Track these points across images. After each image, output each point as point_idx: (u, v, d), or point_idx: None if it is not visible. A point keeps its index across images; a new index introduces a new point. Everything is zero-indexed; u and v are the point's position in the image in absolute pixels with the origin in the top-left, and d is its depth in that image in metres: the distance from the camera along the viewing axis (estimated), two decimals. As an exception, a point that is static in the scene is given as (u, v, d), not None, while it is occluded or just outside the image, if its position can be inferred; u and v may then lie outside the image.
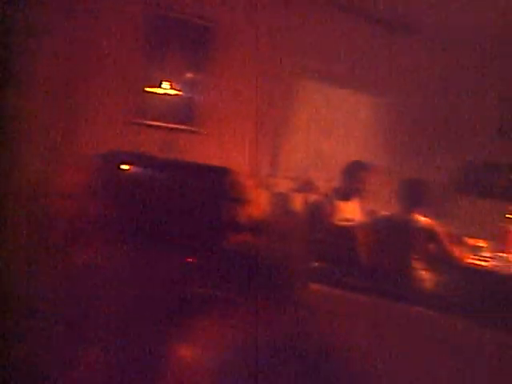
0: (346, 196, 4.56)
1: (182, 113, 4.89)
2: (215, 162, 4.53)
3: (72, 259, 3.84)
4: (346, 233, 4.34)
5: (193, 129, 4.87)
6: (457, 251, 4.02)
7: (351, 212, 4.58)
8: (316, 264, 4.54)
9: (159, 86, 4.81)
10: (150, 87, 4.77)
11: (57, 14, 4.21)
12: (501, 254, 4.03)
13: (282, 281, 4.26)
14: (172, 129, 4.82)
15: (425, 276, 3.90)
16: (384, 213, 4.19)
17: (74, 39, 4.32)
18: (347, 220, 4.53)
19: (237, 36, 5.00)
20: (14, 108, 4.02)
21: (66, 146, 4.26)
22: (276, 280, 4.33)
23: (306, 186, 5.03)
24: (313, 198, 4.62)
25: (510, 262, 3.92)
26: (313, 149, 5.15)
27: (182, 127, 4.86)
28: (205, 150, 4.75)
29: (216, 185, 4.44)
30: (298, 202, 4.72)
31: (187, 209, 4.38)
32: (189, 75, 4.91)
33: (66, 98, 4.33)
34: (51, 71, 4.22)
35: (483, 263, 4.05)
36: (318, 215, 4.44)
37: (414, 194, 4.04)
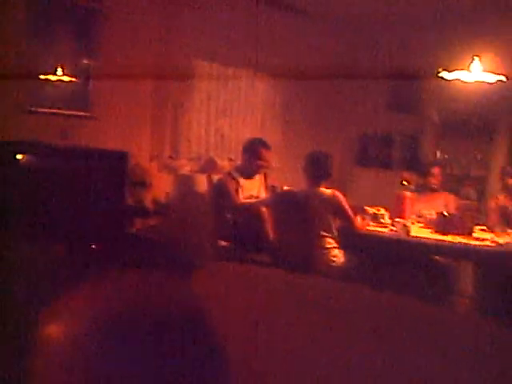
0: (249, 173, 4.61)
1: (79, 99, 4.76)
2: (115, 146, 4.45)
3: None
4: (252, 209, 4.40)
5: (90, 115, 4.75)
6: (360, 220, 4.16)
7: (256, 189, 4.64)
8: (224, 242, 4.58)
9: (54, 73, 4.65)
10: (43, 74, 4.60)
11: None
12: (398, 220, 4.20)
13: (190, 261, 4.26)
14: (69, 116, 4.68)
15: (332, 246, 4.01)
16: (288, 188, 4.25)
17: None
18: (252, 197, 4.58)
19: (130, 19, 4.90)
20: None
21: None
22: (183, 261, 4.32)
23: (209, 166, 5.05)
24: (216, 177, 4.63)
25: (406, 226, 4.09)
26: (213, 129, 5.16)
27: (79, 113, 4.73)
28: (103, 136, 4.64)
29: (116, 169, 4.37)
30: (201, 183, 4.73)
31: (89, 195, 4.29)
32: (83, 61, 4.78)
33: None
34: None
35: (384, 229, 4.21)
36: (222, 194, 4.46)
37: (316, 168, 4.08)
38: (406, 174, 4.65)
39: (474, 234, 4.12)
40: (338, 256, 4.01)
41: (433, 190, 4.85)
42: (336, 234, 4.01)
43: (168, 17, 5.03)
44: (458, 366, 1.79)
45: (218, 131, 5.22)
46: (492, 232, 4.20)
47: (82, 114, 4.74)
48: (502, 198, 4.74)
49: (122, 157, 4.38)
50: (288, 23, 5.77)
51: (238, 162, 4.87)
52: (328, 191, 3.98)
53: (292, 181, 4.94)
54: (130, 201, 4.45)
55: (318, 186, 4.00)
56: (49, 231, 4.21)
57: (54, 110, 4.62)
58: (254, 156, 4.60)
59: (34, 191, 4.27)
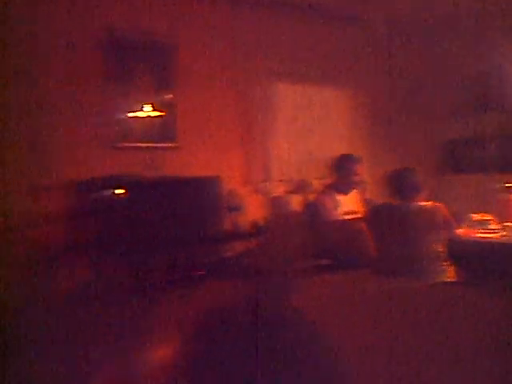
0: (344, 189, 4.53)
1: (164, 132, 4.81)
2: (206, 174, 4.46)
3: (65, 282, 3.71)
4: (353, 225, 4.31)
5: (177, 145, 4.80)
6: (465, 228, 4.01)
7: (353, 204, 4.55)
8: (324, 260, 4.48)
9: (139, 109, 4.73)
10: (128, 111, 4.69)
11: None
12: (507, 224, 4.02)
13: (290, 284, 4.18)
14: (155, 148, 4.73)
15: (440, 258, 3.86)
16: (386, 201, 4.12)
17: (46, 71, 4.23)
18: (351, 212, 4.50)
19: (206, 48, 4.95)
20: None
21: (48, 172, 4.18)
22: (283, 283, 4.24)
23: (303, 186, 5.00)
24: (311, 196, 4.57)
25: (518, 230, 3.91)
26: (302, 149, 5.12)
27: (166, 145, 4.78)
28: (194, 165, 4.67)
29: (210, 196, 4.37)
30: (296, 204, 4.67)
31: (185, 224, 4.30)
32: (164, 95, 4.84)
33: (42, 127, 4.24)
34: (25, 96, 4.13)
35: (493, 235, 4.04)
36: (321, 212, 4.39)
37: (410, 180, 3.97)
38: (503, 176, 4.49)
39: None
40: (448, 267, 3.86)
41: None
42: (443, 245, 3.87)
43: (242, 42, 5.05)
44: None
45: (308, 150, 5.17)
46: None
47: (168, 145, 4.79)
48: None
49: (214, 183, 4.39)
50: (359, 39, 5.71)
51: (331, 180, 4.81)
52: (428, 204, 3.86)
53: (385, 193, 4.82)
54: (226, 226, 4.43)
55: (416, 197, 3.88)
56: (149, 261, 4.23)
57: (139, 144, 4.69)
58: (347, 172, 4.54)
59: (131, 224, 4.32)
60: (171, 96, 4.83)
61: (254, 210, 4.63)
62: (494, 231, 4.10)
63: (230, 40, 5.03)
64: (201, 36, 4.93)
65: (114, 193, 4.30)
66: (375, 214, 4.19)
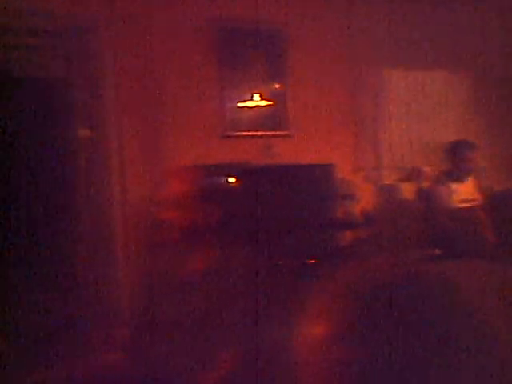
0: (459, 177, 4.42)
1: (276, 120, 4.87)
2: (317, 161, 4.48)
3: (183, 265, 3.83)
4: (469, 213, 4.20)
5: (289, 133, 4.85)
6: None
7: (468, 192, 4.44)
8: (438, 250, 4.40)
9: (248, 99, 4.81)
10: (238, 101, 4.78)
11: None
12: None
13: (403, 273, 4.12)
14: (268, 136, 4.80)
15: None
16: (509, 187, 3.99)
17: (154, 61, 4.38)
18: (466, 201, 4.39)
19: (316, 35, 4.94)
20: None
21: (164, 158, 4.33)
22: (396, 273, 4.19)
23: (415, 174, 4.92)
24: (424, 184, 4.50)
25: None
26: (414, 136, 5.04)
27: (278, 133, 4.84)
28: (305, 153, 4.70)
29: (324, 184, 4.38)
30: (408, 192, 4.62)
31: (298, 212, 4.33)
32: (274, 84, 4.89)
33: (159, 118, 4.40)
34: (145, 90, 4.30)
35: None
36: (435, 201, 4.31)
37: None
38: None
39: None
40: None
41: None
42: None
43: (353, 29, 5.01)
44: None
45: (421, 137, 5.09)
46: None
47: (280, 133, 4.84)
48: None
49: (328, 170, 4.40)
50: (476, 22, 5.51)
51: (445, 167, 4.71)
52: None
53: (506, 181, 4.68)
54: (339, 214, 4.44)
55: None
56: (262, 249, 4.31)
57: (250, 133, 4.77)
58: (461, 158, 4.42)
59: (243, 212, 4.40)
60: (281, 85, 4.88)
61: (365, 198, 4.61)
62: None
63: (340, 27, 5.00)
64: (311, 24, 4.93)
65: (227, 181, 4.40)
66: (497, 202, 4.04)
